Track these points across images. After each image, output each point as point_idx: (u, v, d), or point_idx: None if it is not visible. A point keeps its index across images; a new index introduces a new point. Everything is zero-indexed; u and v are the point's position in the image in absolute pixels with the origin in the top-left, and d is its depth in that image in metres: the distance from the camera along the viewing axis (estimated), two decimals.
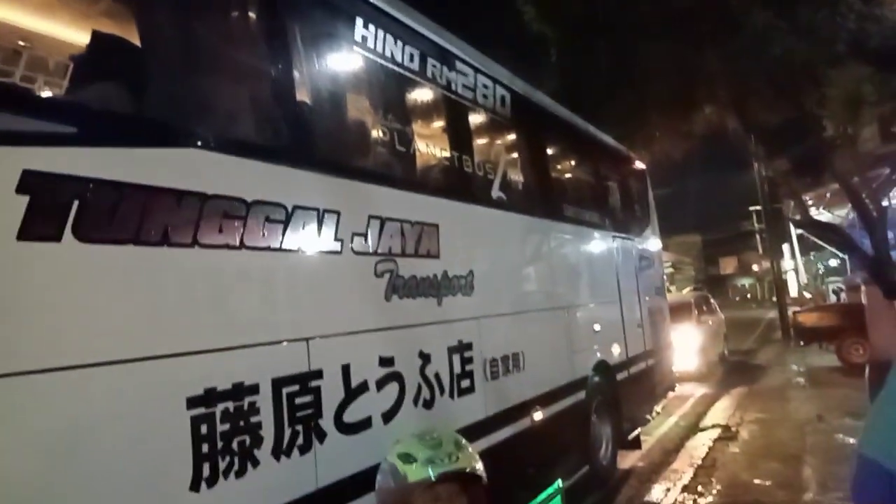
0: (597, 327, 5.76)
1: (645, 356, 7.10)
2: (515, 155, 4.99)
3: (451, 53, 4.06)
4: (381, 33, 3.35)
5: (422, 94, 3.86)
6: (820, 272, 29.42)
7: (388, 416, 2.94)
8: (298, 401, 2.43)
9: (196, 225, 2.10)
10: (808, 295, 25.42)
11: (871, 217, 9.03)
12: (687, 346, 11.64)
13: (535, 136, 5.26)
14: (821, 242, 23.71)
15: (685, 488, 5.79)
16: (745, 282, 47.96)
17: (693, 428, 8.31)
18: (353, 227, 2.88)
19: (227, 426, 2.11)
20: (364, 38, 3.25)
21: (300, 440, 2.42)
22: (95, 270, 1.82)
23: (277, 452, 2.31)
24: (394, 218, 3.16)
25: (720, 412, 9.10)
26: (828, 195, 17.92)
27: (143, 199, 1.94)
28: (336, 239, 2.78)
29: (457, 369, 3.54)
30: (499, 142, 4.84)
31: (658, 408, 7.66)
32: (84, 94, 2.00)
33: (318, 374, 2.57)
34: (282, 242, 2.48)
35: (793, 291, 27.80)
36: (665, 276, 9.89)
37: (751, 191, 24.25)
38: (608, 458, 5.97)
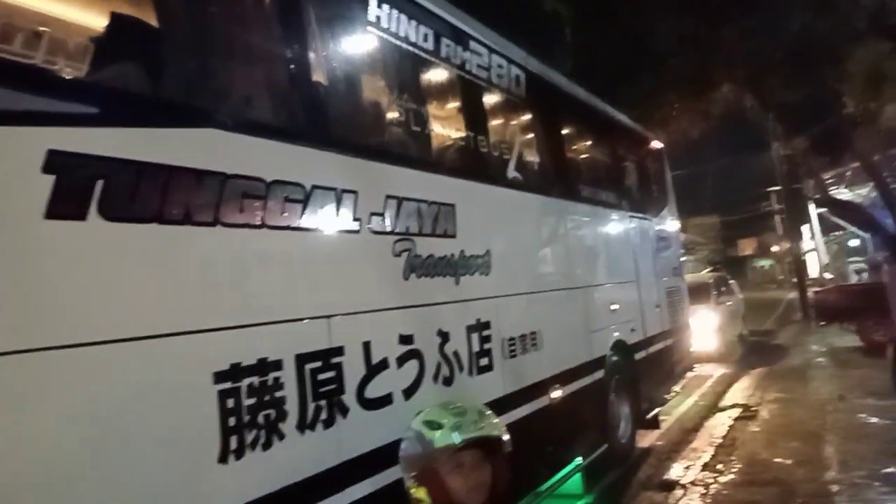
0: (614, 307, 5.75)
1: (663, 336, 7.09)
2: (531, 135, 4.97)
3: (465, 33, 4.04)
4: (394, 13, 3.34)
5: (437, 75, 3.85)
6: (836, 251, 29.03)
7: (408, 393, 2.97)
8: (321, 376, 2.48)
9: (217, 204, 2.14)
10: (828, 276, 25.11)
11: (892, 195, 8.89)
12: (706, 326, 11.59)
13: (550, 116, 5.23)
14: (841, 222, 23.38)
15: (705, 466, 5.79)
16: (765, 263, 47.46)
17: (712, 408, 8.30)
18: (370, 206, 2.90)
19: (252, 400, 2.16)
20: (378, 18, 3.25)
21: (323, 415, 2.46)
22: (120, 248, 1.86)
23: (302, 426, 2.35)
24: (410, 198, 3.17)
25: (740, 392, 9.07)
26: (848, 174, 17.66)
27: (165, 178, 1.98)
28: (354, 218, 2.80)
29: (475, 348, 3.57)
30: (514, 122, 4.82)
31: (677, 387, 7.66)
32: (105, 75, 2.03)
33: (340, 351, 2.61)
34: (301, 222, 2.51)
35: (813, 272, 27.48)
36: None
37: (769, 171, 23.91)
38: (627, 436, 5.99)
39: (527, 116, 4.98)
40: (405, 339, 3.02)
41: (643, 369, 6.27)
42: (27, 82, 1.75)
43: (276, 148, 2.48)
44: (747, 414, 7.61)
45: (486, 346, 3.68)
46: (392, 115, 3.45)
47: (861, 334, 11.88)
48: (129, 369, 1.85)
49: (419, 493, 1.92)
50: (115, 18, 2.12)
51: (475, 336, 3.59)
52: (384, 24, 3.28)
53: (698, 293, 11.91)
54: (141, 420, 1.85)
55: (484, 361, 3.65)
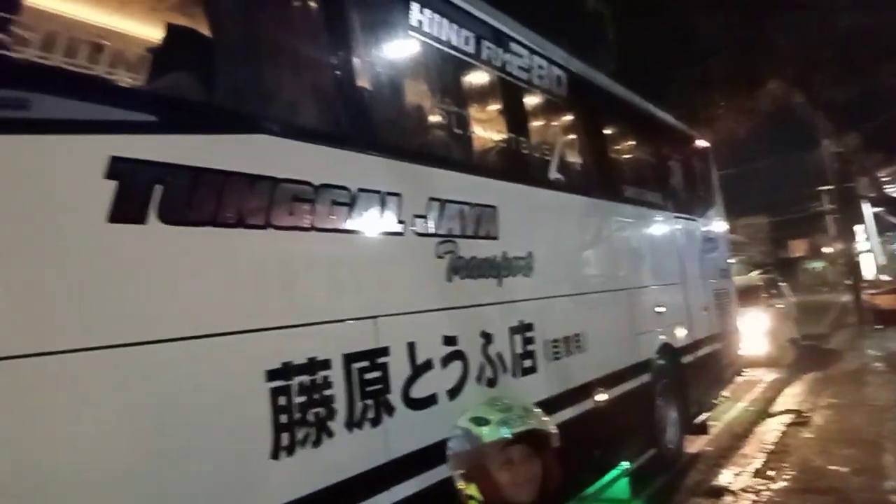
0: (660, 310, 5.66)
1: (711, 340, 6.93)
2: (573, 136, 4.95)
3: (506, 35, 4.05)
4: (436, 17, 3.38)
5: (478, 77, 3.87)
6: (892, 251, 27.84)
7: (452, 393, 2.99)
8: (368, 376, 2.52)
9: (268, 208, 2.20)
10: (884, 277, 24.13)
11: None
12: (755, 329, 11.26)
13: (592, 117, 5.19)
14: None
15: (756, 473, 5.64)
16: (817, 265, 45.88)
17: (763, 413, 8.06)
18: (414, 209, 2.93)
19: (303, 398, 2.21)
20: (420, 23, 3.29)
21: (370, 413, 2.50)
22: (178, 251, 1.94)
23: (350, 424, 2.40)
24: (453, 200, 3.20)
25: (791, 397, 8.79)
26: None
27: (219, 183, 2.05)
28: (398, 221, 2.84)
29: (518, 349, 3.56)
30: (556, 123, 4.81)
31: (726, 392, 7.47)
32: (162, 84, 2.12)
33: (385, 351, 2.64)
34: (347, 224, 2.56)
35: (868, 273, 26.45)
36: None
37: (820, 170, 23.13)
38: (675, 441, 5.88)
39: (569, 117, 4.95)
40: (449, 341, 3.04)
41: (691, 373, 6.15)
42: (91, 92, 1.84)
43: (324, 152, 2.54)
44: (800, 420, 7.37)
45: (530, 347, 3.68)
46: (434, 118, 3.48)
47: None
48: (188, 367, 1.92)
49: (469, 489, 1.93)
50: (171, 30, 2.21)
51: (518, 338, 3.59)
52: (426, 29, 3.32)
53: (748, 295, 11.60)
54: (199, 416, 1.92)
55: (527, 363, 3.64)
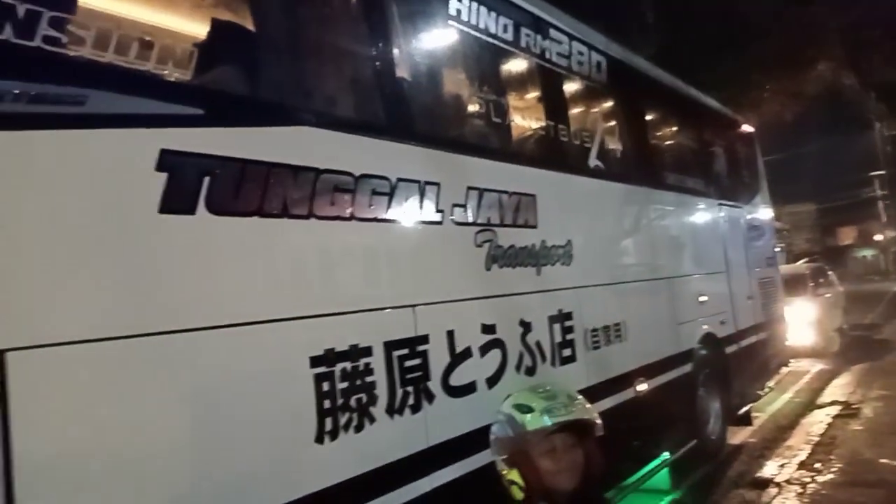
0: (703, 299, 5.56)
1: (756, 329, 6.79)
2: (613, 122, 4.88)
3: (544, 21, 4.01)
4: (474, 6, 3.37)
5: (516, 65, 3.85)
6: None
7: (491, 381, 3.01)
8: (408, 363, 2.55)
9: (311, 198, 2.25)
10: None
11: None
12: (802, 319, 10.98)
13: (633, 102, 5.11)
14: None
15: (801, 465, 5.52)
16: (867, 253, 44.30)
17: (809, 404, 7.88)
18: (452, 198, 2.94)
19: (345, 384, 2.26)
20: (458, 12, 3.29)
21: (411, 400, 2.54)
22: (226, 241, 2.00)
23: (391, 410, 2.44)
24: (492, 189, 3.20)
25: (839, 388, 8.55)
26: None
27: (264, 174, 2.10)
28: (437, 210, 2.86)
29: (557, 338, 3.56)
30: (595, 109, 4.75)
31: (770, 383, 7.31)
32: (208, 78, 2.17)
33: (425, 339, 2.68)
34: (387, 214, 2.59)
35: None
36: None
37: (871, 154, 22.28)
38: (717, 432, 5.80)
39: (609, 103, 4.89)
40: (488, 329, 3.06)
41: (734, 363, 6.04)
42: (142, 88, 1.90)
43: (364, 143, 2.57)
44: (848, 412, 7.17)
45: (569, 336, 3.67)
46: (473, 106, 3.48)
47: None
48: (236, 353, 1.98)
49: (512, 475, 1.96)
50: (216, 25, 2.27)
51: (557, 326, 3.58)
52: (464, 18, 3.31)
53: (795, 285, 11.31)
54: (246, 400, 1.99)
55: (566, 352, 3.63)
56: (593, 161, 4.40)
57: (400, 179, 2.66)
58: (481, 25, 3.43)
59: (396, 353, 2.51)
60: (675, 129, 6.32)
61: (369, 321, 2.45)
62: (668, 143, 6.20)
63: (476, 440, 2.70)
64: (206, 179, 1.93)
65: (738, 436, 6.57)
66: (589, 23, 4.60)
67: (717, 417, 5.79)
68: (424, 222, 2.80)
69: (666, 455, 4.83)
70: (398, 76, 2.87)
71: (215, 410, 1.91)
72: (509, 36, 3.65)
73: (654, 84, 5.69)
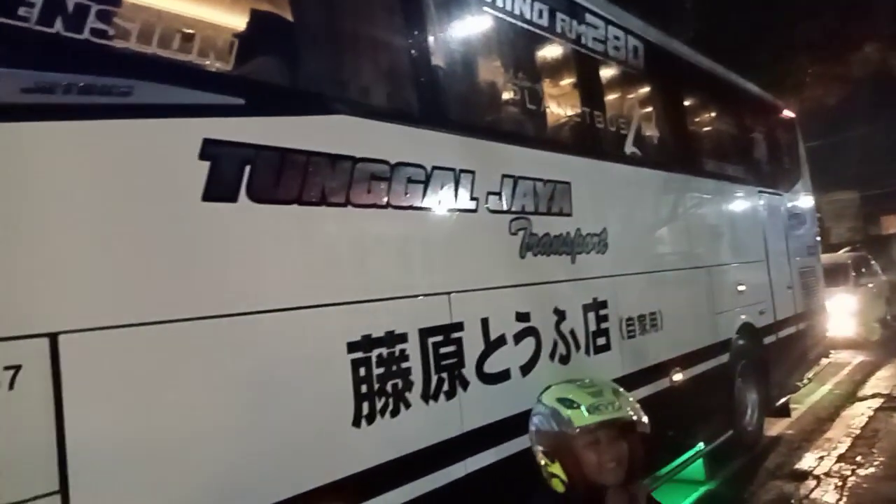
0: (741, 288, 5.46)
1: (795, 320, 6.64)
2: (650, 108, 4.80)
3: (580, 6, 3.96)
4: None
5: (552, 51, 3.82)
6: None
7: (525, 369, 3.02)
8: (443, 350, 2.58)
9: (348, 186, 2.27)
10: None
11: None
12: (843, 310, 10.70)
13: (670, 87, 5.02)
14: None
15: (841, 458, 5.41)
16: None
17: (850, 397, 7.69)
18: (487, 186, 2.94)
19: (381, 370, 2.30)
20: None
21: (445, 386, 2.57)
22: (266, 227, 2.04)
23: (426, 396, 2.48)
24: (526, 176, 3.19)
25: (882, 381, 8.33)
26: None
27: (303, 162, 2.13)
28: (472, 198, 2.87)
29: (592, 327, 3.54)
30: (632, 95, 4.68)
31: (810, 374, 7.16)
32: (249, 69, 2.21)
33: (460, 327, 2.70)
34: (422, 201, 2.61)
35: None
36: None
37: None
38: (754, 423, 5.71)
39: (645, 89, 4.81)
40: (522, 317, 3.06)
41: (773, 354, 5.93)
42: (185, 78, 1.94)
43: (400, 131, 2.58)
44: (891, 404, 7.00)
45: (604, 325, 3.65)
46: (508, 94, 3.46)
47: None
48: (276, 338, 2.03)
49: (553, 467, 1.95)
50: (255, 16, 2.30)
51: (592, 315, 3.56)
52: (499, 4, 3.29)
53: (836, 274, 11.01)
54: (287, 383, 2.04)
55: (601, 341, 3.62)
56: (630, 148, 4.34)
57: (435, 167, 2.67)
58: (516, 11, 3.40)
59: (431, 340, 2.54)
60: (713, 114, 6.18)
61: (405, 308, 2.47)
62: (706, 129, 6.07)
63: (510, 427, 2.72)
64: (247, 168, 1.97)
65: (775, 427, 6.46)
66: (625, 6, 4.52)
67: (754, 408, 5.70)
68: (459, 210, 2.81)
69: (701, 445, 4.78)
70: (433, 64, 2.87)
71: (257, 392, 1.96)
72: (544, 22, 3.61)
73: (693, 69, 5.57)
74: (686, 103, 5.38)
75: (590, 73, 4.06)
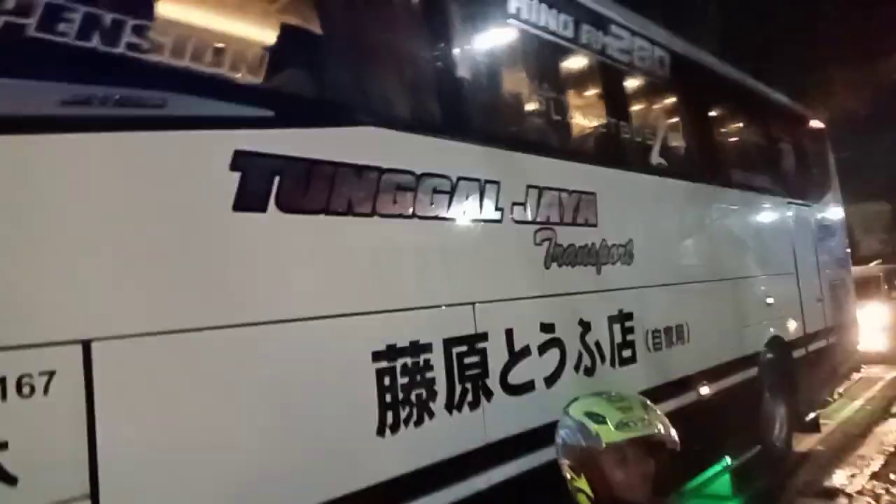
0: (770, 301, 5.37)
1: (825, 333, 6.50)
2: (676, 119, 4.77)
3: (605, 17, 3.95)
4: (534, 3, 3.35)
5: (577, 62, 3.82)
6: None
7: (550, 381, 3.00)
8: (467, 360, 2.58)
9: (375, 196, 2.29)
10: None
11: None
12: (875, 323, 10.44)
13: (697, 98, 4.98)
14: None
15: (874, 475, 5.27)
16: None
17: (883, 413, 7.49)
18: (512, 196, 2.95)
19: (406, 379, 2.31)
20: (518, 10, 3.28)
21: (469, 397, 2.57)
22: (294, 237, 2.06)
23: (450, 406, 2.48)
24: (551, 187, 3.18)
25: None
26: None
27: (331, 173, 2.16)
28: (497, 208, 2.87)
29: (617, 339, 3.51)
30: (658, 106, 4.66)
31: (840, 389, 7.00)
32: (278, 81, 2.25)
33: (484, 337, 2.69)
34: (447, 212, 2.62)
35: None
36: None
37: None
38: (782, 439, 5.59)
39: (671, 99, 4.78)
40: (546, 328, 3.05)
41: (802, 368, 5.80)
42: (216, 91, 1.98)
43: (425, 142, 2.60)
44: None
45: (629, 337, 3.61)
46: (533, 105, 3.47)
47: None
48: (303, 346, 2.05)
49: (579, 482, 1.93)
50: (284, 29, 2.35)
51: (617, 327, 3.53)
52: (524, 16, 3.30)
53: (868, 287, 10.77)
54: (313, 391, 2.05)
55: (626, 353, 3.58)
56: (656, 158, 4.31)
57: (460, 178, 2.68)
58: (541, 23, 3.41)
59: (456, 350, 2.54)
60: (741, 125, 6.12)
61: (429, 318, 2.48)
62: (733, 139, 6.00)
63: (534, 439, 2.70)
64: (276, 178, 2.00)
65: (804, 443, 6.31)
66: (650, 16, 4.50)
67: (782, 423, 5.58)
68: (484, 220, 2.81)
69: (728, 461, 4.70)
70: (459, 76, 2.89)
71: (284, 400, 1.98)
72: (569, 33, 3.61)
73: (719, 79, 5.53)
74: (713, 113, 5.33)
75: (615, 83, 4.05)
